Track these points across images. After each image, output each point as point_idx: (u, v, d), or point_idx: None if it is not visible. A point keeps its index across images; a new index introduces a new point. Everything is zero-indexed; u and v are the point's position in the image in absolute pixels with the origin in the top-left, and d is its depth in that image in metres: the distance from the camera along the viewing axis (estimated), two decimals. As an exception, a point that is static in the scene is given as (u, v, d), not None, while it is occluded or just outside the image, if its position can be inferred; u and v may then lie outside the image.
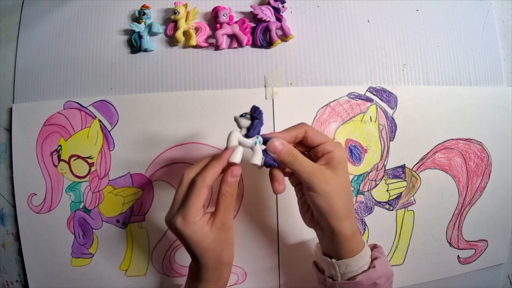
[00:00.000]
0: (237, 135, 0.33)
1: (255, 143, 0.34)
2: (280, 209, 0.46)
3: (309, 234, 0.46)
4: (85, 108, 0.47)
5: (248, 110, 0.34)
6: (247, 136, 0.34)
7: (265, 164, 0.34)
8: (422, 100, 0.48)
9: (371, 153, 0.47)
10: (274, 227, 0.46)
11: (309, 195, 0.34)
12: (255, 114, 0.33)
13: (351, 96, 0.47)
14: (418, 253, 0.48)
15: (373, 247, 0.40)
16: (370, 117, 0.47)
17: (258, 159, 0.34)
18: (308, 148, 0.37)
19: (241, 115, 0.34)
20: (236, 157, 0.33)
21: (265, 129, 0.45)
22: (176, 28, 0.46)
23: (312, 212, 0.37)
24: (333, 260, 0.36)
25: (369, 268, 0.36)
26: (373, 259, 0.37)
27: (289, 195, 0.46)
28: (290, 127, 0.37)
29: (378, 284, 0.36)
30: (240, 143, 0.34)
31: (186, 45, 0.47)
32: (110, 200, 0.47)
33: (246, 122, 0.34)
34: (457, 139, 0.49)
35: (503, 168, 0.51)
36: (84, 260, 0.47)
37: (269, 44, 0.47)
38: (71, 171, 0.47)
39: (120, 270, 0.47)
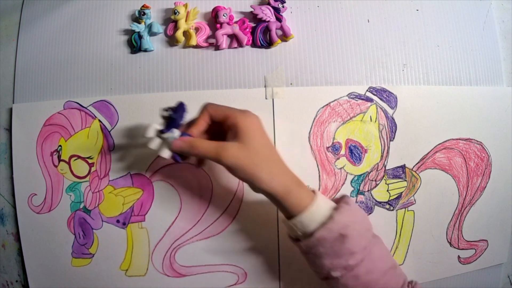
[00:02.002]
0: (155, 127, 0.37)
1: (170, 138, 0.36)
2: (280, 209, 0.46)
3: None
4: (85, 108, 0.47)
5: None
6: (162, 131, 0.36)
7: (173, 158, 0.37)
8: (422, 100, 0.48)
9: (371, 153, 0.47)
10: (274, 227, 0.46)
11: (229, 171, 0.35)
12: (173, 112, 0.36)
13: (351, 96, 0.47)
14: (418, 253, 0.48)
15: (340, 198, 0.39)
16: (370, 117, 0.47)
17: (165, 153, 0.37)
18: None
19: (165, 109, 0.36)
20: (152, 146, 0.37)
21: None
22: (176, 28, 0.46)
23: None
24: (288, 221, 0.36)
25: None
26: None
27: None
28: (198, 115, 0.38)
29: (346, 235, 0.35)
30: (158, 135, 0.37)
31: (186, 45, 0.47)
32: (110, 200, 0.47)
33: (165, 117, 0.36)
34: (457, 139, 0.49)
35: (503, 168, 0.51)
36: (84, 260, 0.47)
37: (269, 44, 0.47)
38: (71, 171, 0.47)
39: (120, 270, 0.47)
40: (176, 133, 0.36)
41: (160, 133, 0.37)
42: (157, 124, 0.37)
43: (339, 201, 0.39)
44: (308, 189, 0.38)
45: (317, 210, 0.36)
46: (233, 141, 0.35)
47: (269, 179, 0.35)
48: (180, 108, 0.36)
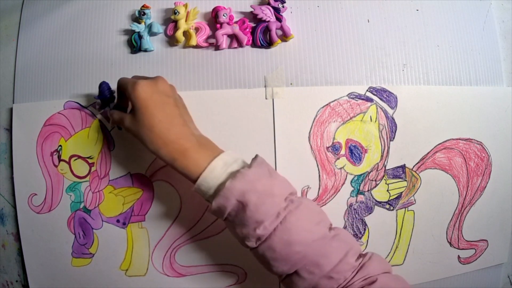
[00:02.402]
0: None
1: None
2: (280, 209, 0.46)
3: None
4: (85, 108, 0.47)
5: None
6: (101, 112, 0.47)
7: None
8: (422, 100, 0.48)
9: (371, 153, 0.47)
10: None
11: None
12: (98, 95, 0.46)
13: (351, 96, 0.47)
14: (418, 253, 0.48)
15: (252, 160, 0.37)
16: (370, 117, 0.47)
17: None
18: None
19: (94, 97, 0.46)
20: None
21: (264, 129, 0.46)
22: (176, 28, 0.46)
23: None
24: (194, 186, 0.36)
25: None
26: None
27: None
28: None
29: (246, 203, 0.33)
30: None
31: (186, 45, 0.47)
32: (110, 200, 0.47)
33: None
34: (457, 139, 0.49)
35: (503, 168, 0.51)
36: (85, 260, 0.47)
37: (269, 44, 0.47)
38: (71, 171, 0.47)
39: (120, 270, 0.47)
40: (111, 106, 0.45)
41: (99, 109, 0.47)
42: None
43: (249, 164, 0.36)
44: (212, 153, 0.36)
45: (211, 176, 0.35)
46: (130, 113, 0.39)
47: (154, 147, 0.37)
48: (101, 89, 0.45)
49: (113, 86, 0.45)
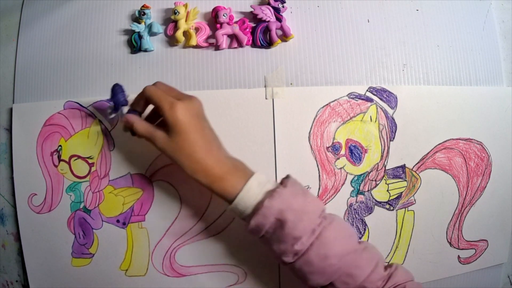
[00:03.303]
0: (109, 108, 0.45)
1: (120, 115, 0.44)
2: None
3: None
4: (85, 108, 0.47)
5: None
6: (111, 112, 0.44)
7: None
8: (422, 100, 0.48)
9: (371, 153, 0.47)
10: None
11: None
12: (111, 98, 0.43)
13: (351, 96, 0.47)
14: (418, 253, 0.48)
15: (283, 179, 0.39)
16: (370, 117, 0.47)
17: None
18: None
19: (107, 100, 0.45)
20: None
21: (264, 130, 0.46)
22: (176, 28, 0.46)
23: None
24: (228, 207, 0.37)
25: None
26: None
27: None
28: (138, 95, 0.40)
29: (284, 221, 0.34)
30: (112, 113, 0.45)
31: (186, 45, 0.47)
32: (110, 200, 0.47)
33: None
34: (457, 139, 0.49)
35: (503, 168, 0.51)
36: (84, 260, 0.47)
37: (269, 44, 0.47)
38: (71, 171, 0.47)
39: (120, 270, 0.47)
40: (125, 110, 0.42)
41: (111, 113, 0.44)
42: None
43: (282, 182, 0.38)
44: (246, 174, 0.37)
45: (248, 195, 0.36)
46: (163, 130, 0.37)
47: (192, 171, 0.37)
48: (114, 92, 0.42)
49: (111, 86, 0.45)
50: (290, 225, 0.34)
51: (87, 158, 0.47)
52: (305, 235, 0.35)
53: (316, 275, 0.36)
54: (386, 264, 0.39)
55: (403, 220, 0.48)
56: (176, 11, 0.45)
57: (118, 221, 0.47)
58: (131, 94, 0.47)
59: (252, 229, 0.36)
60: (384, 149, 0.47)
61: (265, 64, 0.47)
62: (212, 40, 0.47)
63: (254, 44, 0.47)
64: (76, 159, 0.47)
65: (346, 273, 0.36)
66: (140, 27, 0.47)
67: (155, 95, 0.38)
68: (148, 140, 0.38)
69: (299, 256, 0.35)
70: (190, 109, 0.37)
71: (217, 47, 0.47)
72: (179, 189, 0.46)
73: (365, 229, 0.47)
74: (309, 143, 0.46)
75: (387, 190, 0.47)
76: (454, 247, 0.50)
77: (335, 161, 0.47)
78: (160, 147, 0.37)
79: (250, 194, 0.36)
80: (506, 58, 0.51)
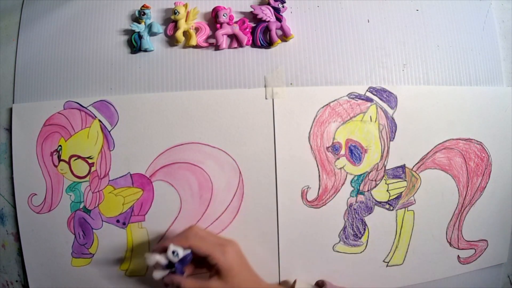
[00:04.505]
0: (157, 260, 0.39)
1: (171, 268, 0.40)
2: (280, 209, 0.46)
3: (310, 235, 0.47)
4: (85, 108, 0.47)
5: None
6: (169, 266, 0.40)
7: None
8: (422, 100, 0.48)
9: (371, 153, 0.47)
10: (274, 226, 0.46)
11: None
12: (180, 261, 0.39)
13: (351, 96, 0.47)
14: (418, 253, 0.48)
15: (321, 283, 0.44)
16: (370, 117, 0.47)
17: (157, 274, 0.40)
18: None
19: (173, 251, 0.39)
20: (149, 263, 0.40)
21: (264, 129, 0.46)
22: (176, 28, 0.46)
23: None
24: None
25: None
26: None
27: (289, 196, 0.46)
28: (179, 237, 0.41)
29: None
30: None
31: (186, 45, 0.47)
32: (110, 200, 0.47)
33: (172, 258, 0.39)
34: (457, 139, 0.49)
35: (503, 168, 0.51)
36: (84, 260, 0.47)
37: (269, 44, 0.47)
38: (71, 171, 0.47)
39: (120, 270, 0.47)
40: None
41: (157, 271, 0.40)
42: (161, 257, 0.39)
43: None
44: None
45: None
46: (216, 278, 0.39)
47: None
48: (185, 259, 0.39)
49: (110, 87, 0.45)
50: None
51: (87, 158, 0.47)
52: None
53: None
54: None
55: (403, 220, 0.48)
56: (176, 11, 0.45)
57: (118, 221, 0.47)
58: (131, 94, 0.47)
59: None
60: (384, 149, 0.47)
61: (265, 64, 0.47)
62: (212, 40, 0.47)
63: (254, 44, 0.47)
64: (76, 159, 0.47)
65: None
66: (140, 27, 0.47)
67: (203, 248, 0.40)
68: None
69: None
70: (237, 252, 0.42)
71: (217, 47, 0.47)
72: (179, 189, 0.46)
73: (365, 229, 0.47)
74: (309, 143, 0.46)
75: (387, 190, 0.47)
76: (454, 247, 0.50)
77: (335, 161, 0.47)
78: None
79: None
80: (506, 58, 0.51)
